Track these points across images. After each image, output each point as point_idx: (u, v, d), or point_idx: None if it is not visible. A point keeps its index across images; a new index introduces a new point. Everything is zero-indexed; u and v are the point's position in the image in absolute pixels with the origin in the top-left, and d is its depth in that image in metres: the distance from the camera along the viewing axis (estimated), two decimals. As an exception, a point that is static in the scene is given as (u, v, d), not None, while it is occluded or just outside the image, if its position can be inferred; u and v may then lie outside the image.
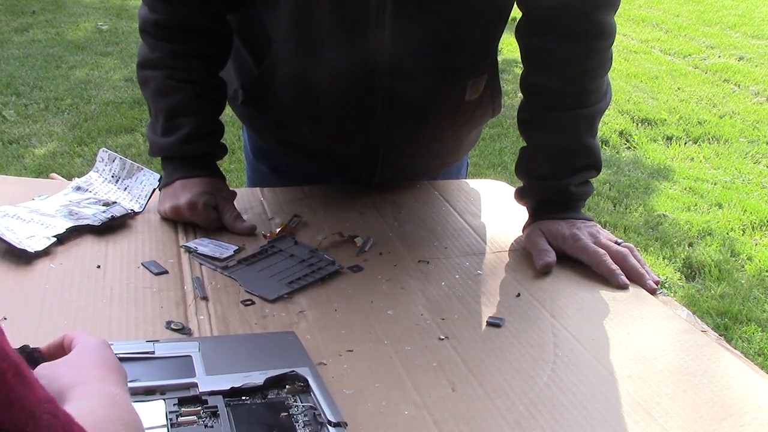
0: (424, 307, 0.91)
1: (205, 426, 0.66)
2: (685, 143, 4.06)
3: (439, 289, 0.96)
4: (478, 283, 0.98)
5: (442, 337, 0.85)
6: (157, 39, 1.12)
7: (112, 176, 1.17)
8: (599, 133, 1.13)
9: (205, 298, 0.90)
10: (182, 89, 1.11)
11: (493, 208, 1.21)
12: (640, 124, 4.29)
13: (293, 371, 0.73)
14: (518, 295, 0.96)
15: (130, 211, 1.09)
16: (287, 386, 0.72)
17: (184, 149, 1.12)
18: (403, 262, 1.02)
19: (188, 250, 1.01)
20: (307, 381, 0.72)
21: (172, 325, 0.84)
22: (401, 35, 1.02)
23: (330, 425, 0.66)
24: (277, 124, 1.18)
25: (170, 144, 1.12)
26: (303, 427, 0.67)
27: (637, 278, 1.00)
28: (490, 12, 1.09)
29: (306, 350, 0.79)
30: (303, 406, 0.69)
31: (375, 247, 1.05)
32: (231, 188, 1.14)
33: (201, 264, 0.98)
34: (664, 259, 2.86)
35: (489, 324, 0.89)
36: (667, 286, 2.70)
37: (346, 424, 0.67)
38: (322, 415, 0.68)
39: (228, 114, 1.20)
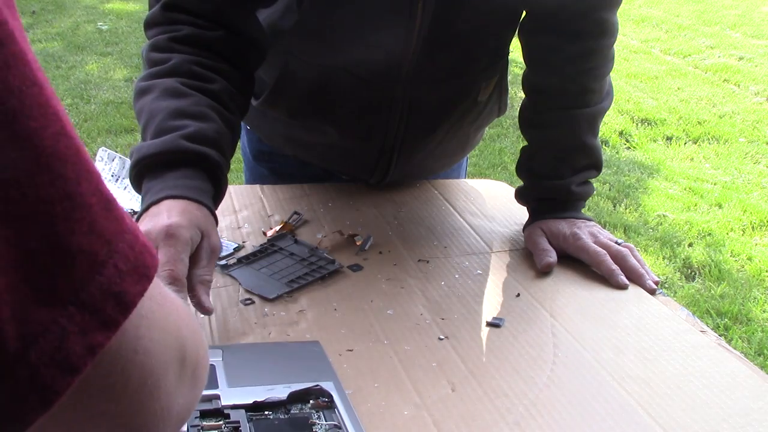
0: (423, 307, 0.91)
1: None
2: (685, 143, 4.06)
3: (439, 288, 0.96)
4: (478, 283, 0.98)
5: (442, 337, 0.85)
6: (172, 51, 0.93)
7: (112, 175, 1.17)
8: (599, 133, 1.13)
9: (204, 298, 0.90)
10: (196, 96, 0.90)
11: (493, 208, 1.21)
12: (640, 124, 4.29)
13: (318, 386, 0.72)
14: (518, 295, 0.96)
15: (129, 211, 1.09)
16: (311, 401, 0.71)
17: (183, 146, 0.86)
18: (402, 261, 1.02)
19: (188, 249, 1.01)
20: (332, 397, 0.71)
21: None
22: (428, 33, 1.00)
23: None
24: (290, 124, 1.16)
25: (164, 142, 0.86)
26: None
27: (636, 278, 1.00)
28: (510, 13, 1.09)
29: (330, 362, 0.77)
30: (327, 424, 0.68)
31: (375, 246, 1.05)
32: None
33: (200, 263, 0.98)
34: (664, 259, 2.86)
35: (489, 324, 0.89)
36: (667, 286, 2.69)
37: None
38: None
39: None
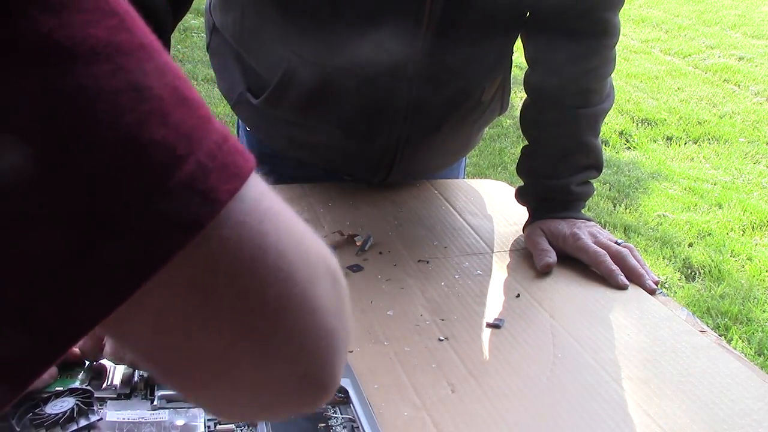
0: (423, 308, 0.91)
1: None
2: (685, 143, 4.06)
3: (439, 289, 0.96)
4: (478, 283, 0.98)
5: (442, 338, 0.85)
6: None
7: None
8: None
9: (204, 298, 0.90)
10: None
11: (493, 208, 1.21)
12: (640, 124, 4.29)
13: None
14: (518, 295, 0.96)
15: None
16: None
17: None
18: (402, 261, 1.02)
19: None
20: (348, 392, 0.71)
21: None
22: (435, 34, 1.00)
23: None
24: (293, 124, 1.16)
25: None
26: None
27: (636, 278, 1.00)
28: (514, 13, 1.09)
29: (350, 361, 0.77)
30: (342, 417, 0.69)
31: (375, 246, 1.05)
32: None
33: (200, 264, 0.98)
34: (664, 259, 2.86)
35: (489, 325, 0.88)
36: (667, 286, 2.69)
37: None
38: (360, 428, 0.67)
39: (229, 115, 1.18)
